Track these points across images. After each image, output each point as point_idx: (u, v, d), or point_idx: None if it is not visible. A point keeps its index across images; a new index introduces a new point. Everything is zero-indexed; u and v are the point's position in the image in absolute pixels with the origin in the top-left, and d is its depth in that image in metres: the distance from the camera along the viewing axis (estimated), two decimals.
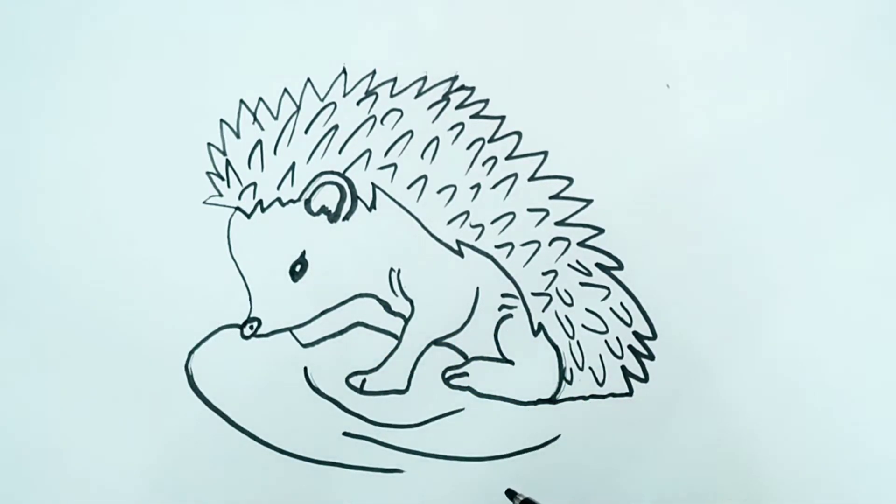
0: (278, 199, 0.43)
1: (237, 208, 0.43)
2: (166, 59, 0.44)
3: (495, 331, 0.43)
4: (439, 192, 0.43)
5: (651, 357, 0.43)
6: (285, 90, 0.44)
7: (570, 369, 0.43)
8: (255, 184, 0.43)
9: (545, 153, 0.43)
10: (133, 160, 0.44)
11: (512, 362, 0.43)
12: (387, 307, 0.44)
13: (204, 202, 0.44)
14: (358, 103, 0.44)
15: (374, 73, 0.44)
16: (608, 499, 0.43)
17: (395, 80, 0.44)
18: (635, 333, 0.43)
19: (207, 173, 0.44)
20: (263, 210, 0.43)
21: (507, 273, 0.43)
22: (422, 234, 0.43)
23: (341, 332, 0.44)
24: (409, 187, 0.43)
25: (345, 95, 0.44)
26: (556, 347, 0.43)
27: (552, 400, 0.43)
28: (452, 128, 0.44)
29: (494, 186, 0.43)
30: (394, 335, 0.44)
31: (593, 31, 0.44)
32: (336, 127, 0.44)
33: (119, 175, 0.44)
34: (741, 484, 0.43)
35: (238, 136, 0.44)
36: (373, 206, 0.43)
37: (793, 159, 0.43)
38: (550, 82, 0.44)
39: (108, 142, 0.44)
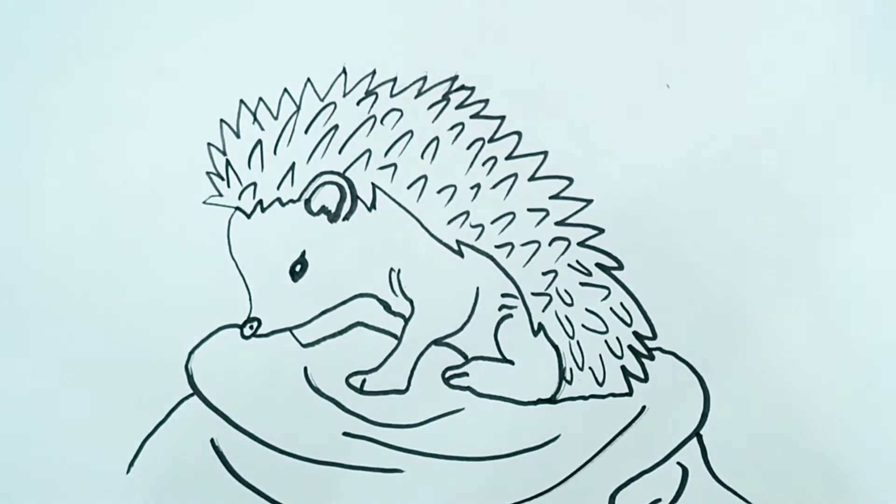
0: (278, 199, 0.43)
1: (237, 208, 0.43)
2: (166, 59, 0.44)
3: (495, 331, 0.43)
4: (439, 192, 0.43)
5: (651, 357, 0.43)
6: (285, 90, 0.44)
7: (570, 369, 0.43)
8: (255, 184, 0.43)
9: (545, 153, 0.44)
10: (133, 160, 0.44)
11: (512, 362, 0.43)
12: (387, 307, 0.44)
13: (204, 202, 0.44)
14: (358, 103, 0.44)
15: (374, 73, 0.44)
16: (608, 499, 0.43)
17: (395, 80, 0.44)
18: (635, 333, 0.43)
19: (207, 173, 0.44)
20: (263, 210, 0.43)
21: (507, 273, 0.43)
22: (422, 234, 0.43)
23: (341, 332, 0.44)
24: (409, 187, 0.43)
25: (345, 95, 0.44)
26: (556, 347, 0.43)
27: (552, 400, 0.43)
28: (452, 128, 0.44)
29: (494, 186, 0.43)
30: (394, 335, 0.44)
31: (593, 31, 0.44)
32: (336, 127, 0.44)
33: (119, 175, 0.44)
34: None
35: (238, 136, 0.44)
36: (373, 206, 0.43)
37: (793, 159, 0.43)
38: (550, 82, 0.44)
39: (107, 142, 0.44)
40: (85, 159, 0.44)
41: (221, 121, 0.44)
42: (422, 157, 0.43)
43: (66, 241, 0.43)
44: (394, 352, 0.44)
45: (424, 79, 0.44)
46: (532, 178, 0.43)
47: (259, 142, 0.44)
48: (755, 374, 0.43)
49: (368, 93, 0.44)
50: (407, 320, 0.44)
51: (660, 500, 0.43)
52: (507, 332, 0.43)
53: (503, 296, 0.43)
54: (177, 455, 0.43)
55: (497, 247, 0.43)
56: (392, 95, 0.44)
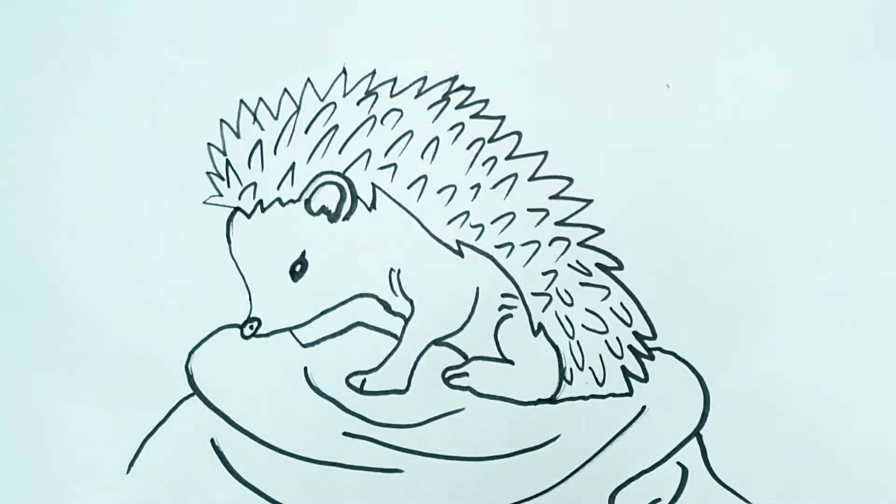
0: (278, 199, 0.43)
1: (237, 208, 0.44)
2: (166, 58, 0.44)
3: (495, 331, 0.43)
4: (439, 192, 0.43)
5: (651, 357, 0.43)
6: (285, 90, 0.44)
7: (570, 369, 0.43)
8: (255, 184, 0.43)
9: (545, 153, 0.44)
10: (133, 160, 0.44)
11: (512, 362, 0.43)
12: (387, 307, 0.44)
13: (204, 202, 0.44)
14: (358, 103, 0.44)
15: (374, 73, 0.44)
16: (608, 499, 0.43)
17: (395, 80, 0.44)
18: (635, 333, 0.43)
19: (207, 173, 0.44)
20: (263, 210, 0.43)
21: (507, 273, 0.43)
22: (422, 234, 0.43)
23: (341, 332, 0.44)
24: (409, 187, 0.43)
25: (345, 95, 0.44)
26: (556, 347, 0.43)
27: (552, 400, 0.43)
28: (452, 128, 0.44)
29: (494, 186, 0.43)
30: (394, 335, 0.44)
31: (593, 31, 0.44)
32: (336, 127, 0.44)
33: (119, 175, 0.44)
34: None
35: (238, 136, 0.44)
36: (373, 206, 0.43)
37: (793, 159, 0.43)
38: (550, 82, 0.44)
39: (107, 142, 0.44)
40: (84, 159, 0.43)
41: (221, 121, 0.44)
42: (422, 157, 0.43)
43: (65, 240, 0.43)
44: (394, 352, 0.44)
45: (424, 79, 0.44)
46: (532, 178, 0.43)
47: (259, 142, 0.44)
48: (755, 374, 0.43)
49: (368, 93, 0.44)
50: (407, 320, 0.44)
51: (659, 499, 0.43)
52: (507, 332, 0.43)
53: (503, 296, 0.43)
54: (177, 455, 0.43)
55: (497, 247, 0.43)
56: (392, 95, 0.44)
